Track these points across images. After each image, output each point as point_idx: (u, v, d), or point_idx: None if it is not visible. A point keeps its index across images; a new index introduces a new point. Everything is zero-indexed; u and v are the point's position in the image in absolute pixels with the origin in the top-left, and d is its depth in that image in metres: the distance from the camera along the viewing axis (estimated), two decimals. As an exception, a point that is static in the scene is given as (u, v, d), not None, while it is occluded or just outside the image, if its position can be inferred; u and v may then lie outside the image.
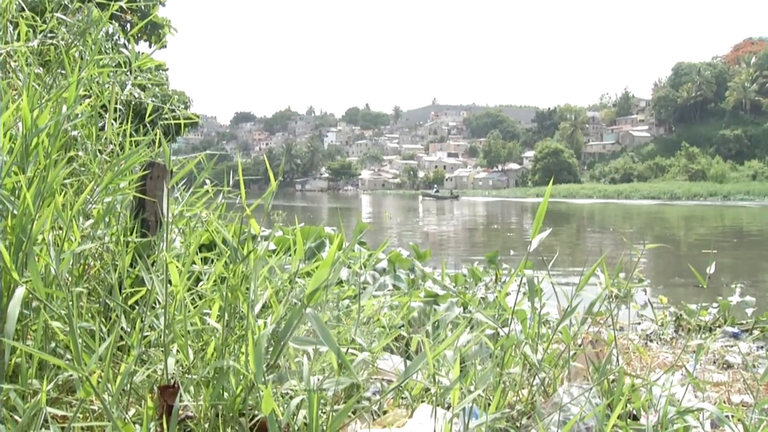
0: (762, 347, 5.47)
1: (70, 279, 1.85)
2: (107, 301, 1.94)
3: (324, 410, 1.71)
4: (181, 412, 1.67)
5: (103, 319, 1.93)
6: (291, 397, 1.68)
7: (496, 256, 7.39)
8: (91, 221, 2.13)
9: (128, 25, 10.09)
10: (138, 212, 2.33)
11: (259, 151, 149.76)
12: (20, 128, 1.87)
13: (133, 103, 2.99)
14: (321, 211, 45.80)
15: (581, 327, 2.29)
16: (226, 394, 1.68)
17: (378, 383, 2.24)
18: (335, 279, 1.71)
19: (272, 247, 3.65)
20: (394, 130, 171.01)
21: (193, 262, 2.03)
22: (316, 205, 60.04)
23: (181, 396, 1.60)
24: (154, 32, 11.70)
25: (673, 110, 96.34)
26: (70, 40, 2.64)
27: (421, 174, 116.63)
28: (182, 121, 4.14)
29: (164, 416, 1.55)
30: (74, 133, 2.45)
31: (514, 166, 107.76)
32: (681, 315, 6.30)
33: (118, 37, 4.31)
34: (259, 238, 2.00)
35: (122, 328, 1.82)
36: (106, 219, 2.21)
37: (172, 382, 1.68)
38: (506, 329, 2.04)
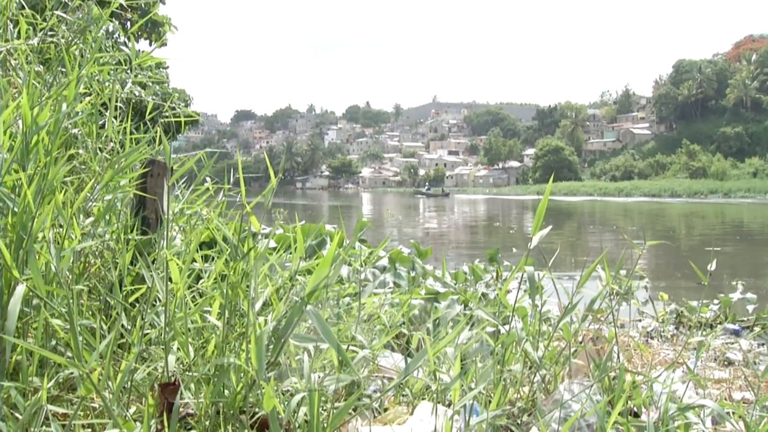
0: (763, 344, 5.47)
1: (70, 277, 1.85)
2: (108, 298, 1.94)
3: (325, 407, 1.71)
4: (181, 409, 1.68)
5: (104, 317, 1.93)
6: (292, 395, 1.68)
7: (497, 254, 7.39)
8: (91, 219, 2.13)
9: (128, 23, 10.09)
10: (138, 210, 2.33)
11: (260, 149, 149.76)
12: (20, 126, 1.87)
13: (133, 101, 2.99)
14: (321, 209, 45.82)
15: (582, 324, 2.29)
16: (226, 391, 1.68)
17: (379, 381, 2.24)
18: (336, 276, 1.71)
19: (273, 244, 3.65)
20: (394, 128, 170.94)
21: (194, 260, 2.03)
22: (316, 203, 60.06)
23: (181, 393, 1.60)
24: (155, 30, 11.69)
25: (673, 108, 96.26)
26: (70, 38, 2.64)
27: (421, 172, 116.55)
28: (183, 119, 4.13)
29: (165, 414, 1.55)
30: (74, 130, 2.44)
31: (514, 163, 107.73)
32: (682, 312, 6.30)
33: (119, 35, 4.31)
34: (259, 236, 2.00)
35: (123, 326, 1.82)
36: (107, 217, 2.21)
37: (173, 379, 1.68)
38: (507, 326, 2.04)
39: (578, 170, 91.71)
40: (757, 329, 5.88)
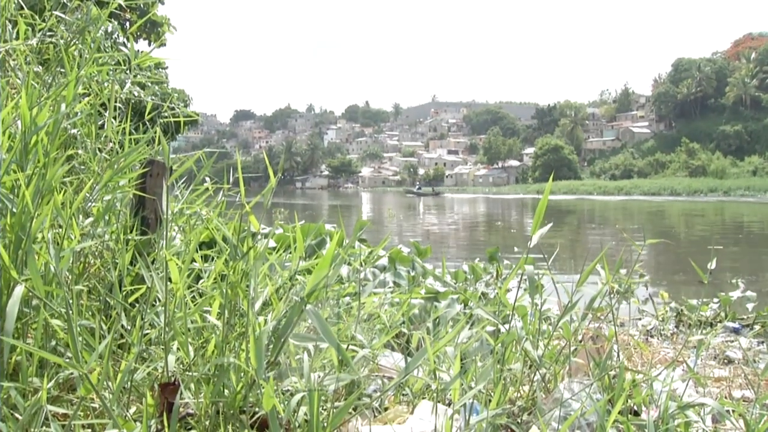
0: (763, 342, 5.47)
1: (69, 277, 1.85)
2: (107, 299, 1.94)
3: (325, 407, 1.71)
4: (181, 409, 1.68)
5: (104, 317, 1.92)
6: (292, 394, 1.67)
7: (496, 252, 7.40)
8: (90, 219, 2.12)
9: (127, 24, 10.07)
10: (138, 210, 2.33)
11: (259, 148, 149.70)
12: (19, 126, 1.87)
13: (132, 101, 2.99)
14: (321, 209, 45.81)
15: (582, 323, 2.29)
16: (226, 391, 1.68)
17: (379, 380, 2.24)
18: (335, 276, 1.71)
19: (272, 244, 3.64)
20: (394, 127, 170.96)
21: (193, 260, 2.03)
22: (316, 203, 60.06)
23: (181, 393, 1.60)
24: (154, 30, 11.69)
25: (673, 106, 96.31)
26: (69, 39, 2.64)
27: (421, 171, 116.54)
28: (182, 119, 4.13)
29: (165, 413, 1.55)
30: (73, 131, 2.44)
31: (514, 162, 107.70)
32: (682, 310, 6.30)
33: (118, 35, 4.30)
34: (259, 236, 2.00)
35: (122, 326, 1.82)
36: (106, 217, 2.20)
37: (173, 379, 1.68)
38: (507, 325, 2.04)
39: (578, 169, 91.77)
40: (757, 327, 5.88)
